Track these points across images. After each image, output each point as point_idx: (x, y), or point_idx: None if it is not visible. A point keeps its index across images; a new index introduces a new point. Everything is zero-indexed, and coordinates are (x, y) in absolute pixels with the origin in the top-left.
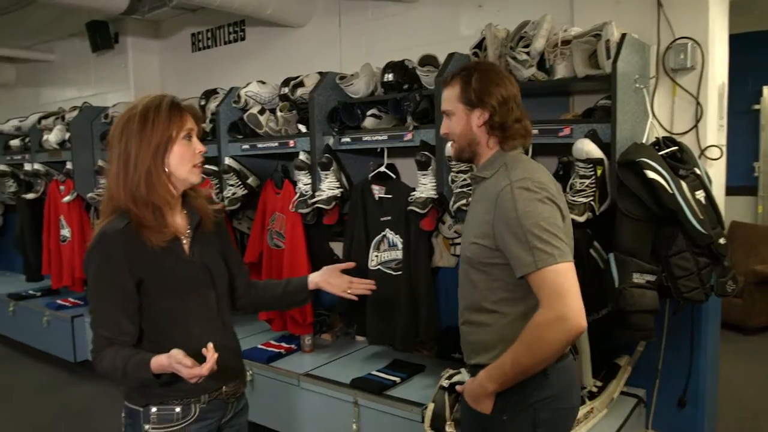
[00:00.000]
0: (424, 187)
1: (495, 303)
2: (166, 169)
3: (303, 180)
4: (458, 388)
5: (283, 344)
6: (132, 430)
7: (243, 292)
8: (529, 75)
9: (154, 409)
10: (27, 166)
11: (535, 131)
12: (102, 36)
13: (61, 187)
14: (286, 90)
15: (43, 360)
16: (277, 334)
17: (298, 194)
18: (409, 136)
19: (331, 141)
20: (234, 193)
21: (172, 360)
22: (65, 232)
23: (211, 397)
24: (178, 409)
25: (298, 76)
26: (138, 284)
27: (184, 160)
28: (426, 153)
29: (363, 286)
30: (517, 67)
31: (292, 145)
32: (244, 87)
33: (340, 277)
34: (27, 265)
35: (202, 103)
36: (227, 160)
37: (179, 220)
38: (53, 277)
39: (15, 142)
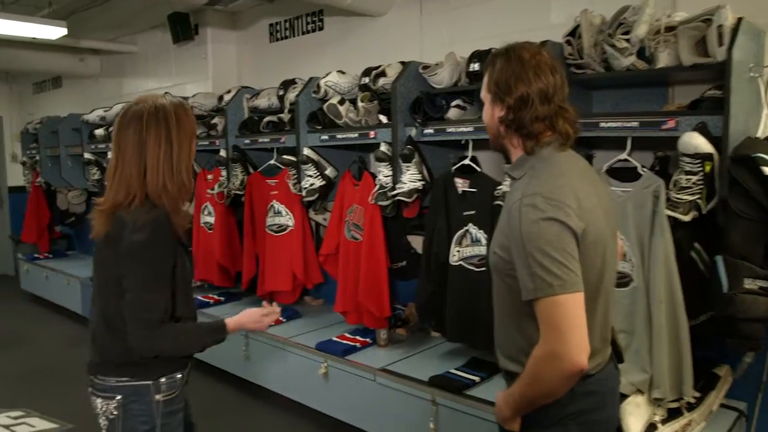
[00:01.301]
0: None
1: (516, 314)
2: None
3: (383, 172)
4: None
5: (358, 337)
6: (136, 406)
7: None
8: (629, 64)
9: (163, 380)
10: (110, 155)
11: (633, 123)
12: (183, 27)
13: None
14: (366, 80)
15: None
16: (351, 327)
17: (377, 186)
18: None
19: (413, 132)
20: (312, 184)
21: (254, 316)
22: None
23: (189, 368)
24: (179, 376)
25: (378, 66)
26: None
27: (192, 157)
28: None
29: (271, 316)
30: (615, 56)
31: (372, 136)
32: (324, 77)
33: (254, 314)
34: None
35: (281, 93)
36: (306, 151)
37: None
38: None
39: (99, 132)
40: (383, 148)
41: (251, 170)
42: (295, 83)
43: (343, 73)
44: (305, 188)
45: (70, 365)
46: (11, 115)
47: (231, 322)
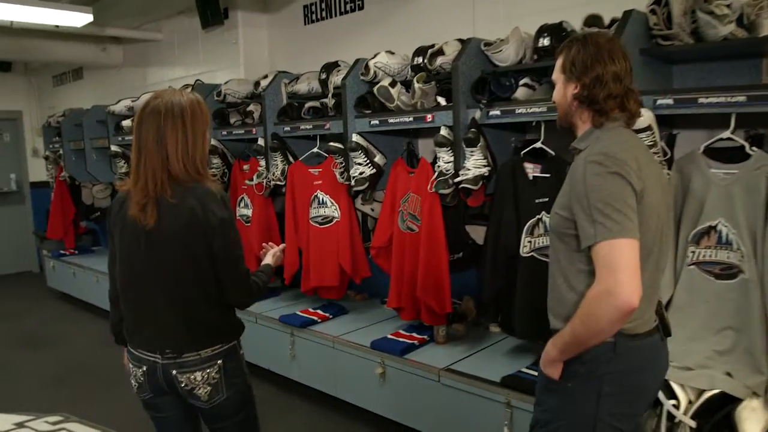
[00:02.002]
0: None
1: (573, 273)
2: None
3: (444, 157)
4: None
5: (415, 335)
6: (231, 364)
7: None
8: (727, 33)
9: (240, 338)
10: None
11: (739, 98)
12: (212, 12)
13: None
14: (420, 60)
15: None
16: (404, 323)
17: (436, 173)
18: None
19: (477, 114)
20: (362, 173)
21: (278, 254)
22: (246, 211)
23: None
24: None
25: (432, 45)
26: None
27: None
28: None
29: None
30: (712, 24)
31: (429, 120)
32: (372, 58)
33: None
34: None
35: (323, 77)
36: (354, 137)
37: None
38: None
39: (127, 123)
40: (444, 132)
41: (291, 159)
42: (339, 66)
43: (392, 53)
44: (354, 177)
45: (106, 365)
46: (31, 109)
47: (269, 261)
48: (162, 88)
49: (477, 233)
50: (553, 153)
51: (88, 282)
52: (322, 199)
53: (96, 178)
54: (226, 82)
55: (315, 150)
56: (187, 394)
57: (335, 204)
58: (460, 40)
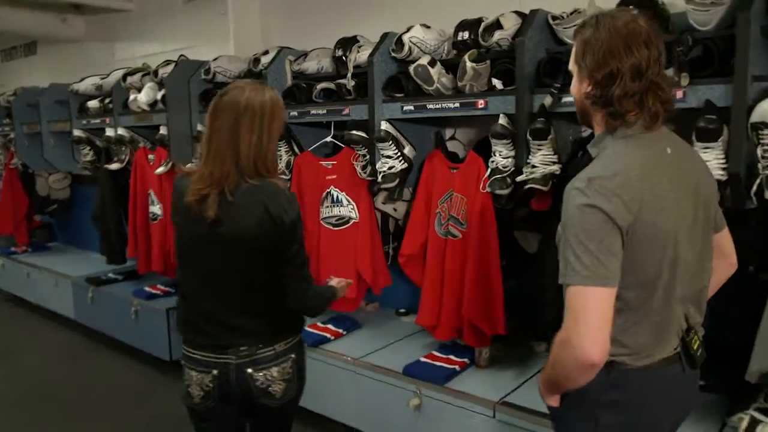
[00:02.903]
0: (708, 164)
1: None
2: None
3: (502, 151)
4: None
5: (452, 357)
6: (301, 357)
7: None
8: None
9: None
10: (109, 132)
11: None
12: None
13: (150, 156)
14: (464, 35)
15: (129, 355)
16: (434, 341)
17: (489, 170)
18: (679, 94)
19: (548, 101)
20: (391, 167)
21: (343, 282)
22: (155, 208)
23: None
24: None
25: (478, 19)
26: None
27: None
28: (712, 117)
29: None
30: None
31: (482, 106)
32: (406, 32)
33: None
34: (108, 245)
35: (338, 53)
36: (384, 125)
37: None
38: (140, 261)
39: (93, 104)
40: (503, 121)
41: (297, 149)
42: (358, 42)
43: (428, 27)
44: (382, 172)
45: (69, 384)
46: None
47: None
48: (134, 65)
49: (527, 241)
50: None
51: (45, 284)
52: (337, 197)
53: (54, 166)
54: (215, 59)
55: (328, 139)
56: (261, 393)
57: (353, 203)
58: (518, 13)
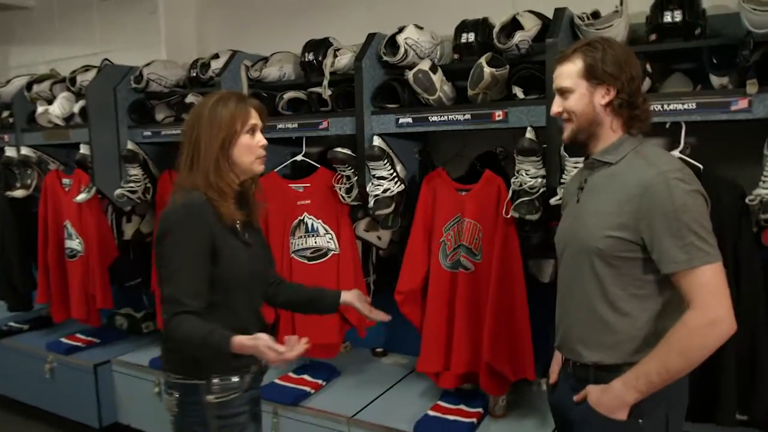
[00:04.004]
0: None
1: (624, 299)
2: (231, 160)
3: (529, 170)
4: (577, 397)
5: (463, 407)
6: (186, 406)
7: (270, 284)
8: None
9: (216, 380)
10: (9, 151)
11: None
12: None
13: (65, 181)
14: (469, 37)
15: (46, 422)
16: (434, 388)
17: (512, 192)
18: (743, 103)
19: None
20: (386, 190)
21: (260, 343)
22: (74, 243)
23: (255, 369)
24: (235, 379)
25: (482, 18)
26: (212, 254)
27: (247, 153)
28: None
29: (381, 315)
30: None
31: (500, 118)
32: (399, 32)
33: (364, 302)
34: (9, 289)
35: (309, 58)
36: (377, 141)
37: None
38: (55, 307)
39: None
40: (530, 135)
41: None
42: (332, 44)
43: (421, 28)
44: (376, 196)
45: None
46: None
47: (237, 338)
48: (36, 71)
49: (540, 270)
50: (700, 166)
51: None
52: (312, 226)
53: None
54: (147, 64)
55: (299, 158)
56: None
57: (331, 231)
58: (536, 14)
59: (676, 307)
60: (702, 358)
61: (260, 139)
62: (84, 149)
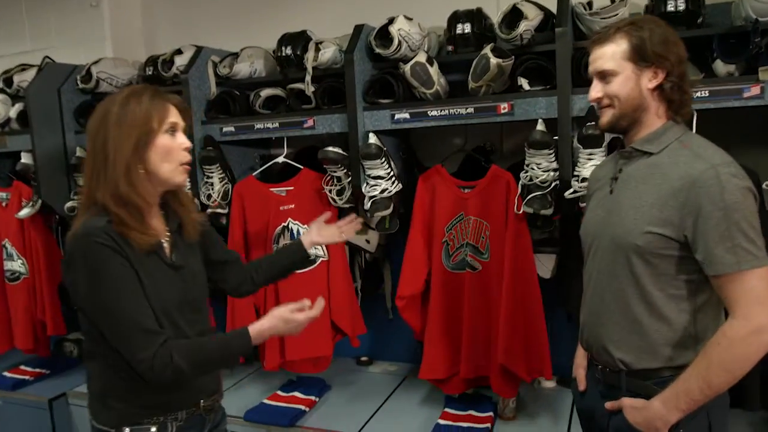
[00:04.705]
0: None
1: (663, 300)
2: (147, 167)
3: (541, 163)
4: (609, 405)
5: (473, 413)
6: None
7: (241, 281)
8: None
9: (127, 430)
10: None
11: None
12: None
13: (1, 195)
14: (467, 28)
15: None
16: (433, 394)
17: (521, 187)
18: (755, 90)
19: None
20: (384, 190)
21: (276, 320)
22: (15, 264)
23: (189, 413)
24: (153, 429)
25: (476, 8)
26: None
27: (167, 158)
28: None
29: (352, 224)
30: None
31: (505, 110)
32: (391, 23)
33: (329, 228)
34: None
35: (286, 52)
36: (372, 138)
37: (156, 223)
38: None
39: None
40: (540, 126)
41: (229, 176)
42: (311, 37)
43: (410, 19)
44: (373, 198)
45: None
46: None
47: (253, 328)
48: None
49: (540, 263)
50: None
51: None
52: (298, 232)
53: None
54: (95, 62)
55: (281, 160)
56: None
57: None
58: (531, 1)
59: (713, 309)
60: (746, 370)
61: (183, 140)
62: (25, 158)
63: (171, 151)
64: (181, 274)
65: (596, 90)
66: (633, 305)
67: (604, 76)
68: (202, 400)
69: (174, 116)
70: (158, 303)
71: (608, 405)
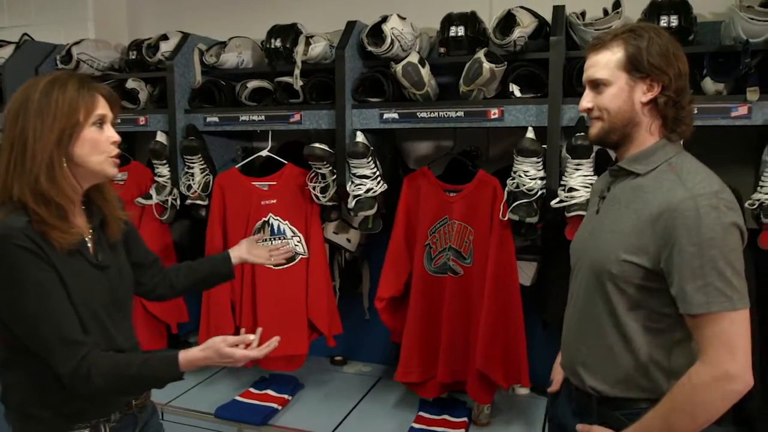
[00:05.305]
0: None
1: (635, 332)
2: (72, 160)
3: (528, 171)
4: (580, 427)
5: (448, 418)
6: None
7: (156, 283)
8: None
9: None
10: None
11: None
12: None
13: None
14: (460, 30)
15: None
16: (407, 397)
17: (507, 193)
18: (743, 110)
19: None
20: (369, 190)
21: (212, 353)
22: None
23: (122, 413)
24: None
25: (470, 12)
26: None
27: (94, 151)
28: None
29: (283, 253)
30: None
31: (495, 116)
32: (384, 21)
33: (260, 248)
34: None
35: (275, 44)
36: (360, 137)
37: (79, 220)
38: None
39: None
40: (531, 134)
41: (211, 167)
42: (301, 31)
43: (404, 18)
44: (358, 197)
45: None
46: None
47: (184, 355)
48: None
49: (521, 270)
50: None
51: None
52: (278, 228)
53: None
54: (76, 43)
55: (265, 153)
56: None
57: (299, 234)
58: (526, 9)
59: (692, 345)
60: (712, 417)
61: (111, 134)
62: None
63: (98, 144)
64: (106, 274)
65: (587, 100)
66: (607, 333)
67: (597, 85)
68: (134, 400)
69: (102, 108)
70: (84, 305)
71: (579, 427)
